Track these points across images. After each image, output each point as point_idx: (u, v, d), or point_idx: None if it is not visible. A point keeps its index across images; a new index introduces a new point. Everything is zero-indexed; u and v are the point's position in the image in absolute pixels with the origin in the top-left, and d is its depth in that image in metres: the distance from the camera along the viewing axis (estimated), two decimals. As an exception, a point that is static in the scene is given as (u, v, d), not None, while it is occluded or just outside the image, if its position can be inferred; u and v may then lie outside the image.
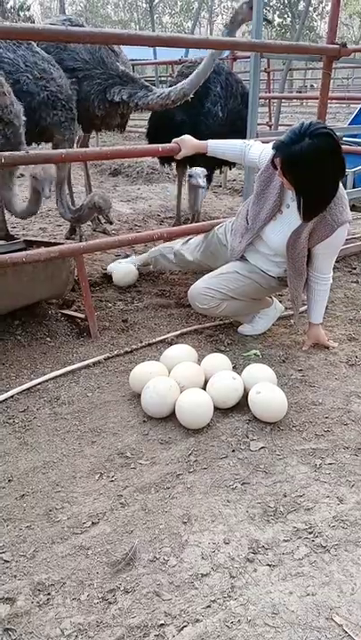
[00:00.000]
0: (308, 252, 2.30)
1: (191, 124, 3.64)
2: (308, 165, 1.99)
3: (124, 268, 3.20)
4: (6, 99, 2.51)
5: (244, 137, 3.01)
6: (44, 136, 3.23)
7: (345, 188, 2.66)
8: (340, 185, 2.18)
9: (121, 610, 1.26)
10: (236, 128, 3.70)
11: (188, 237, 2.91)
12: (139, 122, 7.85)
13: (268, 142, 2.85)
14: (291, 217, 2.26)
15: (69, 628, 1.22)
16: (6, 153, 2.14)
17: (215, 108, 3.69)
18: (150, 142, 3.96)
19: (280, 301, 2.81)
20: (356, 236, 4.01)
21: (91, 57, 3.36)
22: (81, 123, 3.59)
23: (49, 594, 1.30)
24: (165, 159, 4.14)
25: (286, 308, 2.82)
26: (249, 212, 2.43)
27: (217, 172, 4.51)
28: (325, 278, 2.37)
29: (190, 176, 3.12)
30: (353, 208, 4.17)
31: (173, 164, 4.34)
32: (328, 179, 2.05)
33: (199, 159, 2.97)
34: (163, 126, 3.75)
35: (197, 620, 1.22)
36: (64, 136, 3.17)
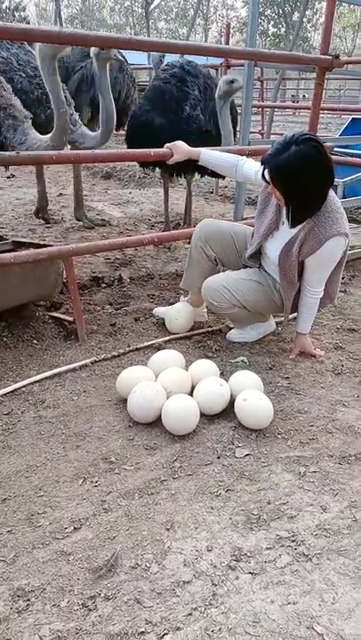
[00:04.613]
0: (302, 265, 2.31)
1: (171, 128, 3.61)
2: (296, 170, 2.01)
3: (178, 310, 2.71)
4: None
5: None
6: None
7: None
8: (335, 197, 2.20)
9: (101, 617, 1.24)
10: (220, 131, 3.70)
11: None
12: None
13: (259, 150, 2.87)
14: (286, 232, 2.28)
15: (48, 634, 1.20)
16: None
17: (195, 111, 3.67)
18: (129, 146, 3.92)
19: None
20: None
21: None
22: None
23: (28, 600, 1.28)
24: (147, 163, 4.09)
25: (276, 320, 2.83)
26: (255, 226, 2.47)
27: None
28: (315, 292, 2.36)
29: None
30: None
31: (157, 169, 4.26)
32: (315, 182, 2.07)
33: (186, 167, 2.95)
34: (142, 131, 3.73)
35: (178, 628, 1.22)
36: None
